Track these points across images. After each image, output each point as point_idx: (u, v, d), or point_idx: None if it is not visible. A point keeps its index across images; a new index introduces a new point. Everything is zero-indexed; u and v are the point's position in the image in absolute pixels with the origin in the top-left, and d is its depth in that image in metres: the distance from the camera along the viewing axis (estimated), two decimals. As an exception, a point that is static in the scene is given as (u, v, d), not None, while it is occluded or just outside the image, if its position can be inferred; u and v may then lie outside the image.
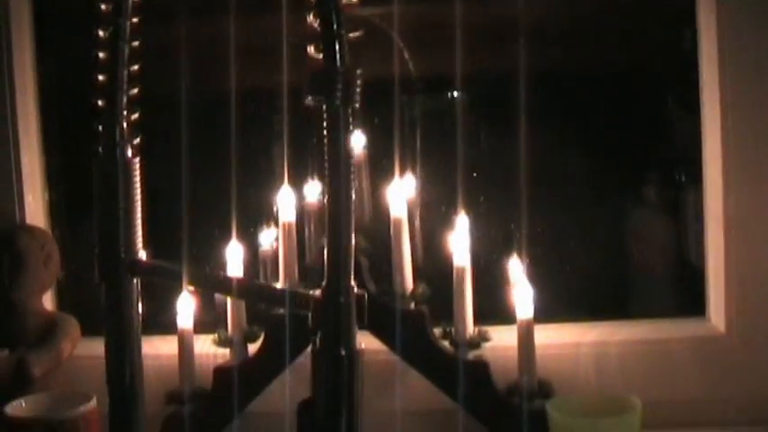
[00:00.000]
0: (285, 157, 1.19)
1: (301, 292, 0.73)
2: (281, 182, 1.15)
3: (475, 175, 1.25)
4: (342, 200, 0.69)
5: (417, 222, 1.15)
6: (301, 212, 1.15)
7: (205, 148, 1.23)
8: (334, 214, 0.69)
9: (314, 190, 1.15)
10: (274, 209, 1.16)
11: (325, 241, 0.69)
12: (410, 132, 1.22)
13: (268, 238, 1.18)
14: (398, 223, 1.08)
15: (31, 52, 1.32)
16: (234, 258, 1.13)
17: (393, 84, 1.15)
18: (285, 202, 1.13)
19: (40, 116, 1.33)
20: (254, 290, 0.90)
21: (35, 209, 1.30)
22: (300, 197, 1.15)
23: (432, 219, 1.19)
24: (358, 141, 1.12)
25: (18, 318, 1.14)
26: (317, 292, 0.69)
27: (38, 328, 1.15)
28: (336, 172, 0.69)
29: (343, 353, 0.70)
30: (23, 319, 1.15)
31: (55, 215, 1.34)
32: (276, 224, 1.15)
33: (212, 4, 1.25)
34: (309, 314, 0.70)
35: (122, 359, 0.84)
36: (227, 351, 1.15)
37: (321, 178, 1.03)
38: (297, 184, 1.16)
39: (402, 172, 1.11)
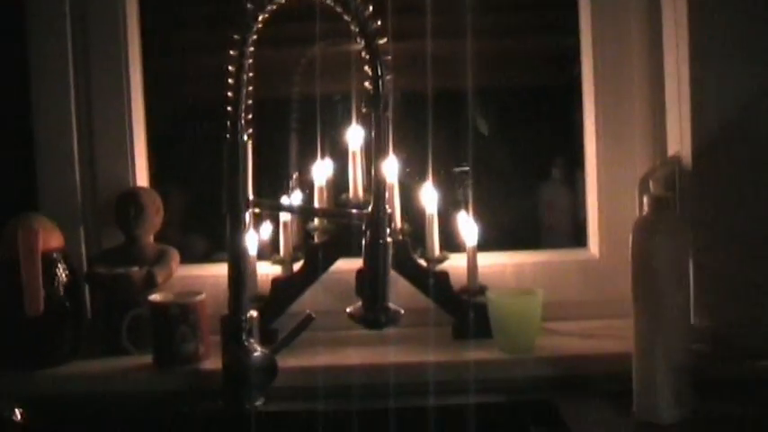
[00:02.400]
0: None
1: (363, 212, 1.30)
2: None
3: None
4: (381, 159, 1.29)
5: (397, 186, 1.64)
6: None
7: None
8: (377, 168, 1.29)
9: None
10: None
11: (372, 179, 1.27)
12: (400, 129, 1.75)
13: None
14: (392, 187, 1.61)
15: (138, 50, 1.77)
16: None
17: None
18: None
19: (144, 105, 1.78)
20: (330, 212, 1.49)
21: (141, 175, 1.77)
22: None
23: (412, 184, 1.72)
24: (359, 133, 1.66)
25: (139, 247, 1.67)
26: (369, 210, 1.29)
27: (152, 254, 1.66)
28: (379, 147, 1.28)
29: (380, 241, 1.30)
30: (143, 248, 1.67)
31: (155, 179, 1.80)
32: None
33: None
34: (364, 222, 1.29)
35: (239, 263, 1.43)
36: (279, 268, 1.67)
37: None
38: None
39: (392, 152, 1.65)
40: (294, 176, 1.78)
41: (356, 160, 1.66)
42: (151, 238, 1.71)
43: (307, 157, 1.74)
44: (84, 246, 1.74)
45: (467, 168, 1.81)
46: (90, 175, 1.76)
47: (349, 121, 1.70)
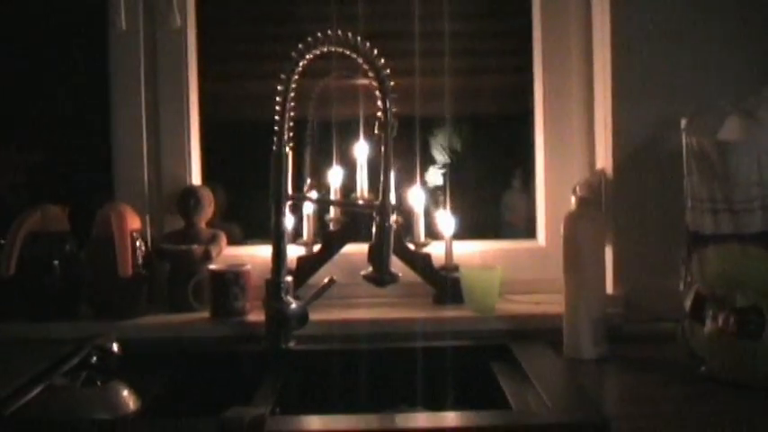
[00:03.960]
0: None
1: (374, 203, 1.81)
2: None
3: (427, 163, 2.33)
4: (387, 167, 1.82)
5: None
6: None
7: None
8: (386, 173, 1.82)
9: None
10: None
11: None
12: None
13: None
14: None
15: (196, 75, 2.24)
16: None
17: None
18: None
19: (200, 120, 2.25)
20: (349, 204, 2.04)
21: (196, 174, 2.25)
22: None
23: (404, 186, 2.18)
24: (364, 147, 2.18)
25: (196, 231, 2.17)
26: (378, 202, 1.81)
27: (206, 236, 2.17)
28: (386, 158, 1.82)
29: (386, 224, 1.82)
30: (199, 232, 2.17)
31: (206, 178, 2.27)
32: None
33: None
34: (374, 211, 1.81)
35: (280, 240, 1.95)
36: (303, 249, 2.19)
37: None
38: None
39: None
40: (308, 181, 2.24)
41: (363, 168, 2.18)
42: (204, 224, 2.21)
43: (320, 166, 2.24)
44: (150, 229, 2.22)
45: (443, 172, 2.30)
46: (155, 174, 2.24)
47: (354, 139, 2.21)
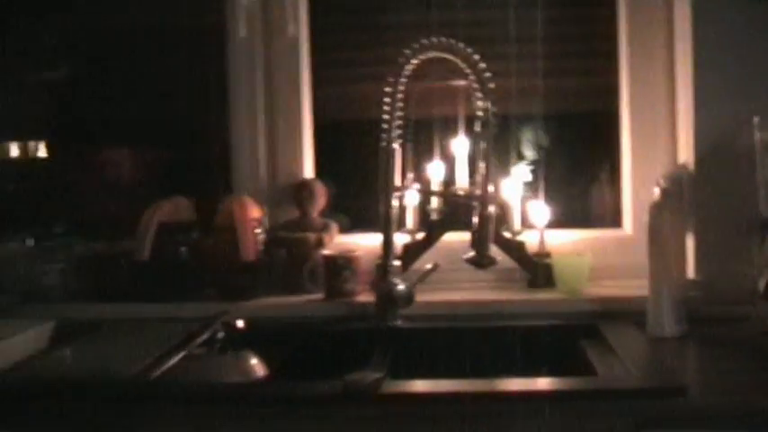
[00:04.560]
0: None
1: (476, 194, 2.00)
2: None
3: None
4: (488, 160, 2.02)
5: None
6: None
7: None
8: (487, 166, 2.02)
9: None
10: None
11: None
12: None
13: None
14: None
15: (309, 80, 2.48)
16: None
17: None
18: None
19: (312, 120, 2.49)
20: (452, 194, 2.24)
21: (308, 169, 2.47)
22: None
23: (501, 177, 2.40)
24: (464, 142, 2.39)
25: (310, 220, 2.38)
26: (480, 193, 2.01)
27: (319, 225, 2.38)
28: (486, 153, 2.01)
29: (488, 212, 2.01)
30: (312, 221, 2.38)
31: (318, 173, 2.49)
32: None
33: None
34: (476, 201, 2.01)
35: (389, 228, 2.15)
36: (408, 237, 2.38)
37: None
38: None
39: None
40: (410, 175, 2.41)
41: (462, 163, 2.37)
42: (317, 214, 2.42)
43: (420, 161, 2.43)
44: (267, 218, 2.43)
45: (536, 167, 2.48)
46: (272, 169, 2.48)
47: (450, 136, 2.41)
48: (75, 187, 2.48)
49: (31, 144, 2.66)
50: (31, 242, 2.42)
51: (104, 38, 2.59)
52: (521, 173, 2.46)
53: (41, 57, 2.59)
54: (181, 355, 1.89)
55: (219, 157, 2.50)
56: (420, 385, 1.68)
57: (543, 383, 1.71)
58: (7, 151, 2.67)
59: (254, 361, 1.87)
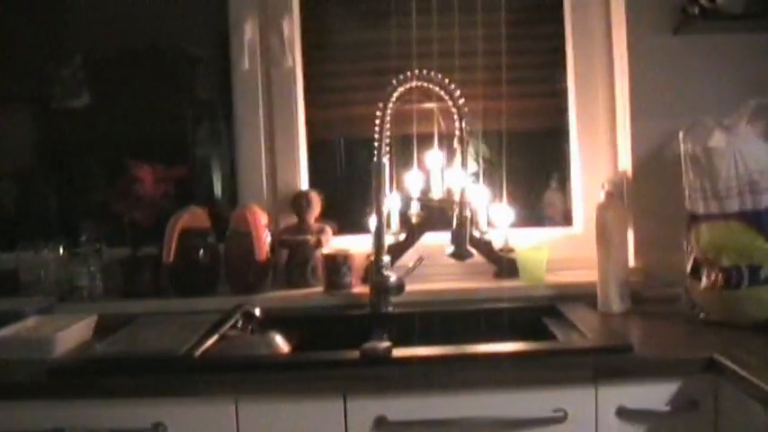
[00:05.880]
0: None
1: (454, 200, 2.43)
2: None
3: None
4: (463, 171, 2.44)
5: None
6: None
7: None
8: (462, 176, 2.44)
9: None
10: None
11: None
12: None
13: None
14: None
15: (303, 104, 2.85)
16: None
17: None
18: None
19: (306, 137, 2.86)
20: (434, 201, 2.64)
21: (303, 181, 2.83)
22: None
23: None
24: (438, 155, 2.83)
25: (307, 226, 2.75)
26: (458, 199, 2.43)
27: (316, 228, 2.75)
28: (462, 165, 2.44)
29: (465, 214, 2.42)
30: (310, 226, 2.76)
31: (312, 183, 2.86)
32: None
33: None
34: (453, 205, 2.43)
35: (380, 229, 2.56)
36: (392, 238, 2.76)
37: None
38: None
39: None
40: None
41: (437, 173, 2.79)
42: (313, 220, 2.80)
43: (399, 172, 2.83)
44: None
45: (499, 175, 2.90)
46: (272, 182, 2.85)
47: (427, 150, 2.80)
48: (101, 199, 2.82)
49: (58, 161, 3.03)
50: (62, 249, 2.76)
51: (125, 67, 2.98)
52: (487, 180, 2.84)
53: (69, 85, 2.95)
54: (215, 337, 2.26)
55: (226, 171, 2.91)
56: (420, 351, 2.08)
57: (511, 346, 2.11)
58: (37, 167, 3.04)
59: (279, 338, 2.27)
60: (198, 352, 2.15)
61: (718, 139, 2.24)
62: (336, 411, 1.98)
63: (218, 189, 2.98)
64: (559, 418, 1.96)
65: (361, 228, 2.74)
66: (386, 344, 2.04)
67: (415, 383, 1.98)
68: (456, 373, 1.99)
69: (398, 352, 2.04)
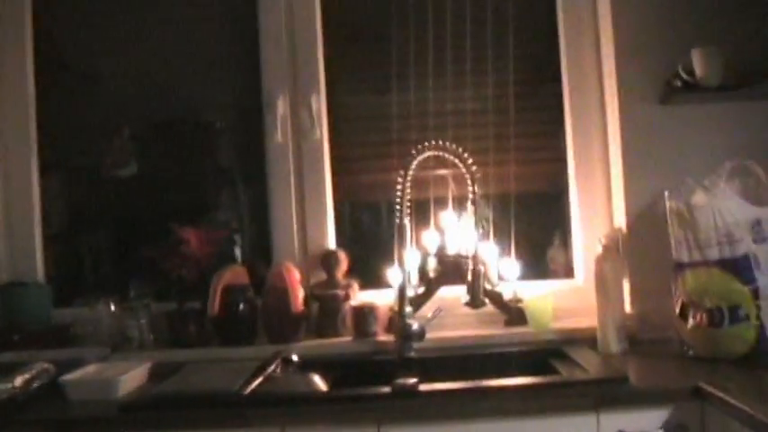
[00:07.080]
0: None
1: (468, 256, 2.75)
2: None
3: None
4: (476, 230, 2.76)
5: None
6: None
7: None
8: (474, 234, 2.76)
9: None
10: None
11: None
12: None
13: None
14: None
15: (330, 173, 3.18)
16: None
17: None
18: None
19: (333, 202, 3.18)
20: (451, 257, 2.96)
21: (331, 241, 3.12)
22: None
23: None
24: (453, 216, 3.11)
25: (336, 281, 3.02)
26: (472, 255, 2.75)
27: (343, 284, 3.02)
28: (475, 224, 2.76)
29: (478, 268, 2.74)
30: (338, 281, 3.02)
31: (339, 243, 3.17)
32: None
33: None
34: (468, 260, 2.74)
35: (403, 285, 2.86)
36: (412, 291, 3.11)
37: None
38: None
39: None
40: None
41: (452, 231, 3.10)
42: (340, 276, 3.11)
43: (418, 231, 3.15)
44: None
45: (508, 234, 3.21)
46: (303, 241, 3.14)
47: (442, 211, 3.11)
48: (149, 258, 3.12)
49: (106, 224, 3.35)
50: (113, 305, 3.05)
51: (166, 138, 3.30)
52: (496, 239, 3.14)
53: (119, 156, 3.27)
54: (260, 378, 2.55)
55: (261, 233, 3.18)
56: (443, 386, 2.37)
57: (522, 380, 2.40)
58: (88, 230, 3.34)
59: (316, 379, 2.57)
60: (247, 390, 2.42)
61: (699, 197, 2.55)
62: (372, 439, 2.23)
63: (253, 249, 3.24)
64: (566, 442, 2.22)
65: (380, 282, 3.01)
66: (413, 380, 2.32)
67: (439, 414, 2.27)
68: (474, 403, 2.28)
69: (424, 387, 2.32)
